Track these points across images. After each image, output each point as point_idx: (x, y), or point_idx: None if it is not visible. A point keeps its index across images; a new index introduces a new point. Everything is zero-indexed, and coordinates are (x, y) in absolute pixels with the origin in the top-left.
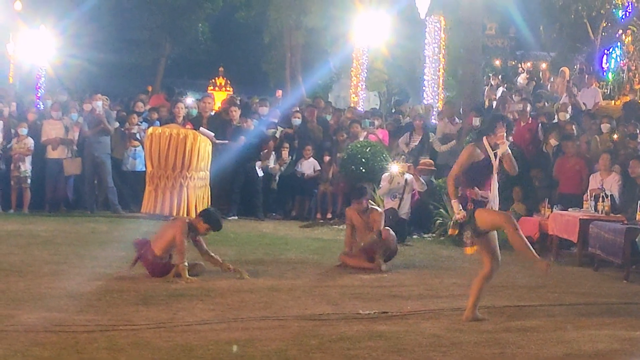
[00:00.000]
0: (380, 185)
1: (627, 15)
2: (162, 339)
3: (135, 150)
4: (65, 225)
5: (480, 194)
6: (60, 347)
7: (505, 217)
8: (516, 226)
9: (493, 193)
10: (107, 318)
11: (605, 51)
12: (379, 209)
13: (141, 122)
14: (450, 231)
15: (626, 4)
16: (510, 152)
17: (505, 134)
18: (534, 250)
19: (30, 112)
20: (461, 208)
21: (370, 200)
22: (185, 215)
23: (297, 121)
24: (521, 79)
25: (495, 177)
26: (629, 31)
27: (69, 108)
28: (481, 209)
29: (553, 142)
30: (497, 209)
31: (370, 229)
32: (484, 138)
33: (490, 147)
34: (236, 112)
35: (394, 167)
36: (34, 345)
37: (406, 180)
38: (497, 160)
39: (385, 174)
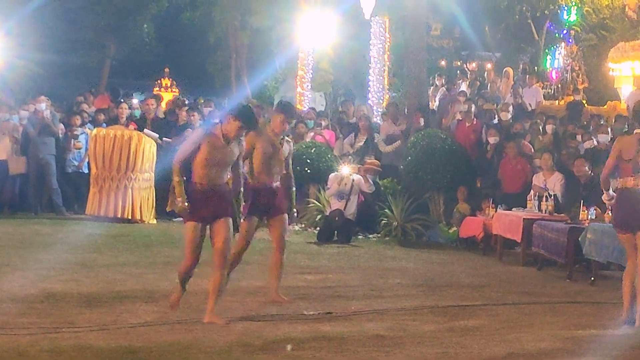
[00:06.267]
0: (328, 186)
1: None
2: (105, 342)
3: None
4: (8, 227)
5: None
6: (2, 350)
7: None
8: None
9: None
10: (49, 321)
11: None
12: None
13: (86, 124)
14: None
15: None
16: None
17: None
18: None
19: None
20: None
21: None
22: (129, 217)
23: None
24: (464, 86)
25: None
26: (572, 32)
27: (14, 110)
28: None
29: (492, 140)
30: None
31: (274, 158)
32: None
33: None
34: (182, 113)
35: (345, 169)
36: None
37: (353, 180)
38: None
39: (333, 175)
